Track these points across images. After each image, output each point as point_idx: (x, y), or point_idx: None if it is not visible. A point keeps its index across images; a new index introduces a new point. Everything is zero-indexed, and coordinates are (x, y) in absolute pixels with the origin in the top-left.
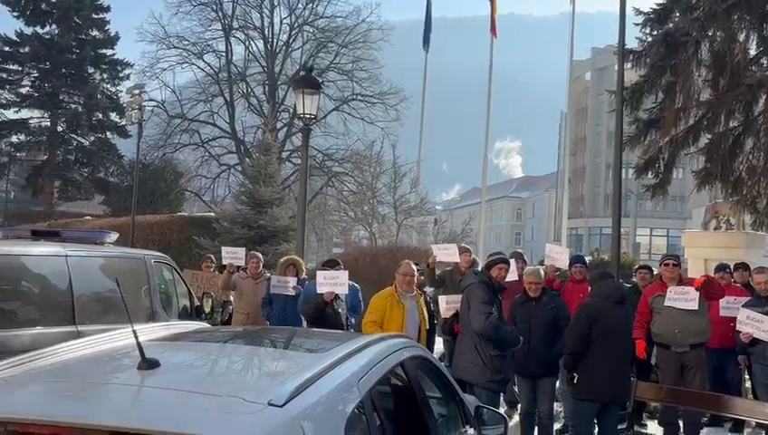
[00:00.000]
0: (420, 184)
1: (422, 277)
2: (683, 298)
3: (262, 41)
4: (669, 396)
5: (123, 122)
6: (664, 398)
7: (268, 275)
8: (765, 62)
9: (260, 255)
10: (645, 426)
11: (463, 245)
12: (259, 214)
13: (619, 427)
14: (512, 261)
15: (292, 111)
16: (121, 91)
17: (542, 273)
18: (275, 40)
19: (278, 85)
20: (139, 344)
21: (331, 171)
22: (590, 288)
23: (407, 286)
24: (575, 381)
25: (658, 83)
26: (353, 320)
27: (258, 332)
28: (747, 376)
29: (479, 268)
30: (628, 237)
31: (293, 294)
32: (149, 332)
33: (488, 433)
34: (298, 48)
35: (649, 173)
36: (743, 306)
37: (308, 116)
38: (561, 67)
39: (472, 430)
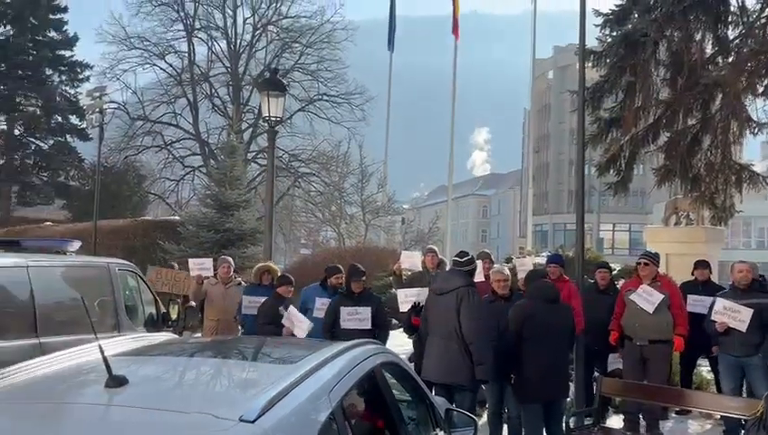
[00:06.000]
0: (387, 184)
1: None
2: (646, 298)
3: (225, 41)
4: (631, 391)
5: (83, 125)
6: (626, 393)
7: (239, 280)
8: (721, 61)
9: (230, 259)
10: (605, 420)
11: (428, 246)
12: (225, 217)
13: (586, 422)
14: (478, 262)
15: (257, 111)
16: (81, 94)
17: (507, 271)
18: (239, 40)
19: (242, 86)
20: (105, 360)
21: (298, 172)
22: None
23: None
24: (512, 383)
25: (619, 83)
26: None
27: (227, 343)
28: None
29: (448, 268)
30: (591, 233)
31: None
32: (116, 345)
33: None
34: (262, 48)
35: (611, 171)
36: (719, 296)
37: (274, 118)
38: (524, 65)
39: (442, 432)
